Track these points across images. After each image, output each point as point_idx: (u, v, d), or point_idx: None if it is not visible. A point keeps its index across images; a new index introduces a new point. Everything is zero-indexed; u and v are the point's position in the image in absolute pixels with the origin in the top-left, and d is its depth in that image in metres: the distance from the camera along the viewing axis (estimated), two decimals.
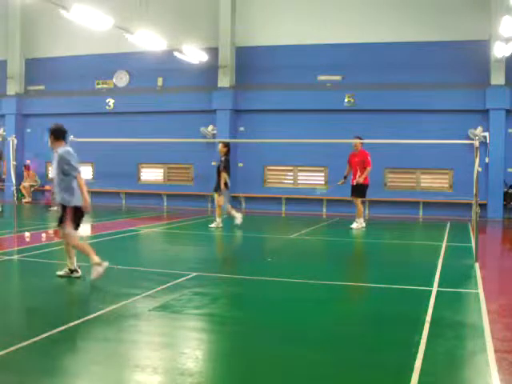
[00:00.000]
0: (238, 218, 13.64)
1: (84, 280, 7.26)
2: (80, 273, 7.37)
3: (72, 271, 7.37)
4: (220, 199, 13.52)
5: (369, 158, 13.81)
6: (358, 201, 13.94)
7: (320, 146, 17.61)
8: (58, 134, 7.32)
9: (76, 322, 5.31)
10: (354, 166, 13.86)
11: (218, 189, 13.46)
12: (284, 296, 6.85)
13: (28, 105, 21.92)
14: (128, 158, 20.59)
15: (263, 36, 19.34)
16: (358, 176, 13.73)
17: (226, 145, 13.58)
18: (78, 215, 7.22)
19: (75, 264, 7.38)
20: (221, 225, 13.41)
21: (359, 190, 13.87)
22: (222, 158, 13.44)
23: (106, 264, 7.15)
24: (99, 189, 20.85)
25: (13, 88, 21.86)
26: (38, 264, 8.47)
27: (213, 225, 13.48)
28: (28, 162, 21.84)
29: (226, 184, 13.34)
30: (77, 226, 7.29)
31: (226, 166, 13.33)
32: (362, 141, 13.71)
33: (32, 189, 21.53)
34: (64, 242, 7.42)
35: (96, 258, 7.12)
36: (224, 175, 13.29)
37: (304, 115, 18.86)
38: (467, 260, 9.37)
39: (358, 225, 13.75)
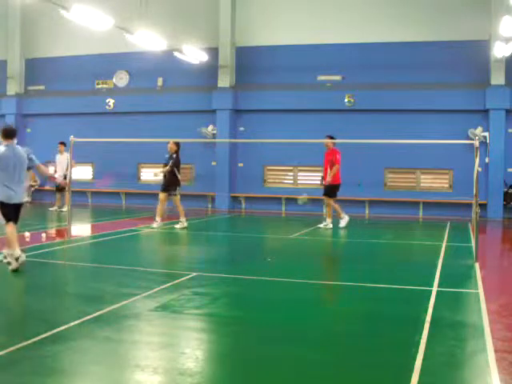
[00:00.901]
0: (158, 222, 13.37)
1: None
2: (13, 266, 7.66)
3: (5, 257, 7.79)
4: (177, 199, 13.36)
5: (338, 156, 13.78)
6: (331, 201, 13.94)
7: (320, 146, 17.57)
8: (6, 134, 7.96)
9: (76, 322, 5.31)
10: (325, 166, 13.93)
11: (164, 188, 13.35)
12: (284, 296, 6.85)
13: (28, 105, 21.91)
14: (128, 157, 20.58)
15: (263, 36, 19.34)
16: (328, 175, 13.77)
17: (177, 144, 13.59)
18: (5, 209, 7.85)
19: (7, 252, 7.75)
20: (185, 224, 13.32)
21: (328, 190, 13.88)
22: (174, 155, 13.37)
23: (15, 266, 7.62)
24: (99, 189, 20.88)
25: (13, 88, 21.86)
26: (38, 264, 8.47)
27: (178, 225, 13.35)
28: None
29: (174, 183, 13.26)
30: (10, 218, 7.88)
31: (175, 162, 13.26)
32: (333, 140, 13.77)
33: (32, 188, 21.51)
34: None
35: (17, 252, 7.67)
36: (166, 169, 13.21)
37: (304, 115, 18.86)
38: (467, 260, 9.38)
39: (343, 223, 13.83)
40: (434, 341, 4.93)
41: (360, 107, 18.38)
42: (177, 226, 13.34)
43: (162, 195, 13.41)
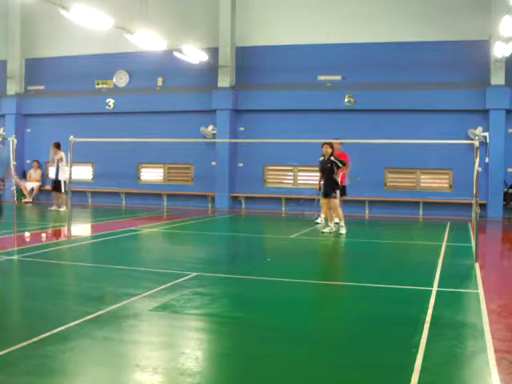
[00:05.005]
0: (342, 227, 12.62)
1: None
2: None
3: None
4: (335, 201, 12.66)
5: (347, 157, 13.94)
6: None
7: (320, 146, 17.57)
8: None
9: (76, 322, 5.31)
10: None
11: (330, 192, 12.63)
12: (284, 296, 6.85)
13: (28, 105, 21.91)
14: (128, 158, 20.59)
15: (263, 36, 19.34)
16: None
17: (331, 145, 12.86)
18: None
19: None
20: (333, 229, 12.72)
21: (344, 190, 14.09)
22: (332, 158, 12.71)
23: None
24: (99, 189, 20.87)
25: (13, 88, 21.85)
26: (38, 264, 8.48)
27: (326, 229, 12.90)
28: (29, 161, 21.79)
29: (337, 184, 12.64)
30: None
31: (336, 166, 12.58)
32: (341, 140, 13.85)
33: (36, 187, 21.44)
34: None
35: None
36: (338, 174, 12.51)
37: (304, 115, 18.86)
38: (467, 260, 9.37)
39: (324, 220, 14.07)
40: (434, 341, 4.93)
41: (360, 107, 18.37)
42: (325, 230, 12.81)
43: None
